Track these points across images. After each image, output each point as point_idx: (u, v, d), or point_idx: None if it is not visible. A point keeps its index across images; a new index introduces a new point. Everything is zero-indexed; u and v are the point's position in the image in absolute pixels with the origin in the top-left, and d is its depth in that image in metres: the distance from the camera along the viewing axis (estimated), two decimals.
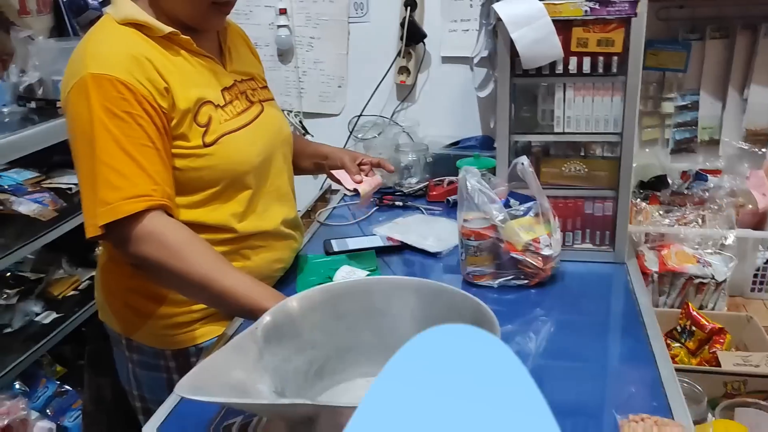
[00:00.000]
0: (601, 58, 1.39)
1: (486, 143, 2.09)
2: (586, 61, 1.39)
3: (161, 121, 1.12)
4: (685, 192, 1.91)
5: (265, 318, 0.83)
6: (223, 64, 1.31)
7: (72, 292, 2.01)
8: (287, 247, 1.42)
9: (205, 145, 1.19)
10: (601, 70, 1.40)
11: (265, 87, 1.44)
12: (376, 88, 2.21)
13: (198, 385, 0.69)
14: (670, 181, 2.02)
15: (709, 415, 1.32)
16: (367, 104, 2.24)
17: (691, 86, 2.05)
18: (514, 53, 1.39)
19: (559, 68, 1.41)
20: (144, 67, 1.11)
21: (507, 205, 1.41)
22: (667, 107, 2.07)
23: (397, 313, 0.90)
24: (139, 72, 1.10)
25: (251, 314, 1.03)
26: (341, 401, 0.86)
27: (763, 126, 1.99)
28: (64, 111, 1.13)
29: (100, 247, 1.33)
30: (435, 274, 1.53)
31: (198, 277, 1.08)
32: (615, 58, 1.38)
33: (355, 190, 1.52)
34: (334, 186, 2.28)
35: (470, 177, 1.37)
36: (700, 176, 1.96)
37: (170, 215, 1.12)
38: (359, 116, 2.26)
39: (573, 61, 1.40)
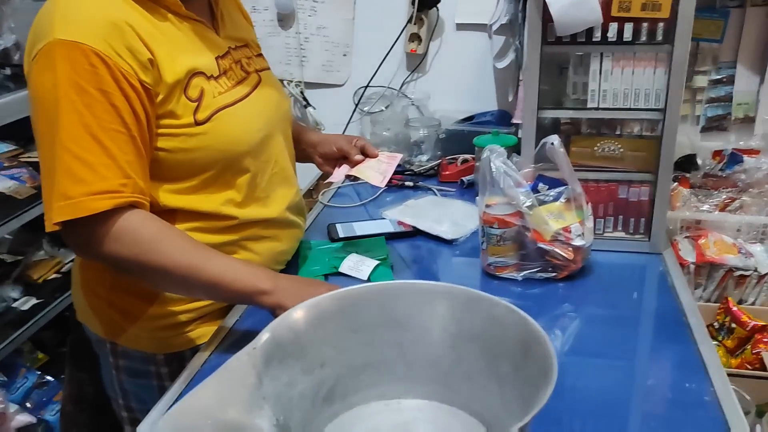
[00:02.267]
0: (645, 25, 1.24)
1: (503, 118, 1.96)
2: (628, 28, 1.24)
3: (140, 102, 0.96)
4: (720, 174, 1.76)
5: (264, 335, 0.68)
6: (215, 29, 1.15)
7: (54, 275, 1.87)
8: (293, 236, 1.29)
9: (197, 123, 1.03)
10: (644, 38, 1.24)
11: (260, 55, 1.28)
12: (384, 58, 2.07)
13: (180, 427, 0.55)
14: (700, 162, 1.87)
15: (758, 426, 1.19)
16: (374, 75, 2.09)
17: (727, 58, 1.90)
18: (546, 18, 1.24)
19: (597, 35, 1.26)
20: (125, 34, 0.95)
21: (535, 189, 1.28)
22: (700, 81, 1.92)
23: (424, 326, 0.76)
24: (118, 41, 0.94)
25: (248, 299, 1.00)
26: None
27: None
28: (27, 81, 0.96)
29: None
30: (451, 264, 1.42)
31: (181, 270, 0.97)
32: (661, 24, 1.23)
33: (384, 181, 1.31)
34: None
35: (495, 157, 1.23)
36: (735, 156, 1.81)
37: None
38: (366, 87, 2.11)
39: (613, 28, 1.24)
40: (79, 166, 0.91)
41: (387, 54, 2.05)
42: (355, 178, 1.48)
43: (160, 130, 1.01)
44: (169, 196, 1.05)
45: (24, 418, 1.70)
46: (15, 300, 1.76)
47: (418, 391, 0.78)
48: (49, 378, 1.80)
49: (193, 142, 1.04)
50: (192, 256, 0.98)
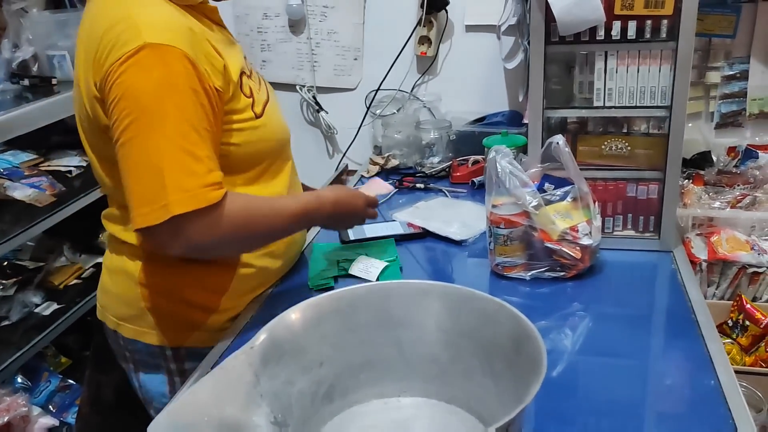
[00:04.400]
0: (648, 22, 1.23)
1: (514, 119, 1.95)
2: (632, 26, 1.24)
3: (215, 102, 1.02)
4: (734, 170, 1.74)
5: (261, 335, 0.69)
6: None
7: (74, 281, 1.91)
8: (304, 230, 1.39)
9: (257, 117, 1.12)
10: (648, 36, 1.24)
11: None
12: (394, 61, 2.07)
13: (178, 424, 0.56)
14: (714, 158, 1.85)
15: None
16: (385, 78, 2.09)
17: (740, 54, 1.88)
18: (549, 18, 1.25)
19: (601, 34, 1.26)
20: (201, 41, 1.01)
21: (541, 189, 1.28)
22: (713, 77, 1.90)
23: (420, 324, 0.77)
24: (197, 46, 1.00)
25: (324, 209, 1.19)
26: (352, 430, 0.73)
27: None
28: (105, 86, 0.97)
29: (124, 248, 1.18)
30: (460, 265, 1.42)
31: (281, 223, 1.12)
32: (664, 21, 1.22)
33: None
34: (351, 166, 2.17)
35: (501, 158, 1.24)
36: (750, 153, 1.79)
37: None
38: (377, 91, 2.11)
39: (616, 26, 1.24)
40: (191, 160, 0.95)
41: (397, 57, 2.05)
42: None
43: (229, 126, 1.08)
44: (236, 189, 1.11)
45: (47, 421, 1.74)
46: (37, 305, 1.79)
47: (417, 389, 0.79)
48: (71, 381, 1.84)
49: (257, 134, 1.12)
50: (278, 207, 1.11)
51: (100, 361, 1.61)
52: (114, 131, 0.96)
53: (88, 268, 1.95)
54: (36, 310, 1.78)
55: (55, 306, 1.80)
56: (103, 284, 1.25)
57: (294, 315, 0.74)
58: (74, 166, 1.92)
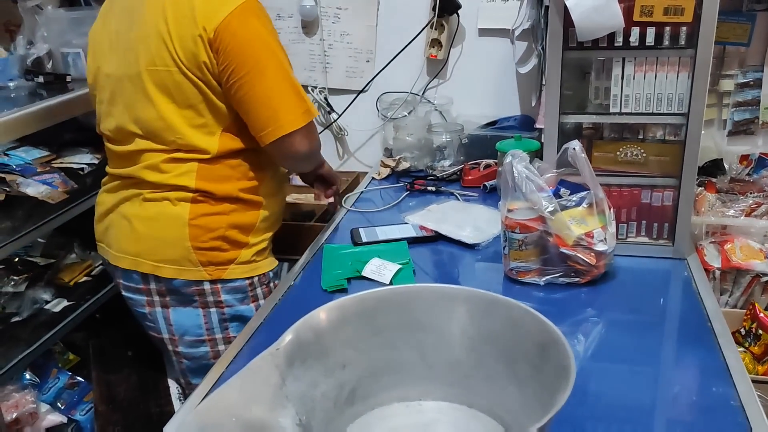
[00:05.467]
0: (667, 29, 1.23)
1: (526, 123, 1.94)
2: (650, 32, 1.24)
3: None
4: (746, 178, 1.74)
5: (287, 336, 0.69)
6: None
7: (84, 279, 1.90)
8: None
9: None
10: (667, 42, 1.24)
11: None
12: (403, 63, 2.06)
13: (207, 424, 0.56)
14: (726, 166, 1.85)
15: None
16: (396, 80, 2.09)
17: (754, 62, 1.87)
18: (567, 23, 1.24)
19: (619, 40, 1.26)
20: None
21: (557, 194, 1.27)
22: (726, 85, 1.89)
23: (443, 328, 0.77)
24: None
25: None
26: None
27: None
28: (226, 32, 1.25)
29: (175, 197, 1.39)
30: (473, 269, 1.42)
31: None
32: (684, 28, 1.22)
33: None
34: (362, 168, 2.17)
35: (517, 162, 1.24)
36: (763, 161, 1.79)
37: None
38: (388, 93, 2.10)
39: (635, 32, 1.24)
40: (300, 89, 1.34)
41: (407, 59, 2.04)
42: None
43: None
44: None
45: (55, 418, 1.74)
46: (47, 302, 1.79)
47: (439, 392, 0.79)
48: (79, 379, 1.83)
49: None
50: None
51: (103, 362, 1.63)
52: (241, 67, 1.27)
53: (98, 266, 1.94)
54: (46, 307, 1.77)
55: (65, 303, 1.79)
56: (138, 233, 1.40)
57: (320, 315, 0.73)
58: (86, 164, 1.91)
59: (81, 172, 1.89)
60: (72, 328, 1.75)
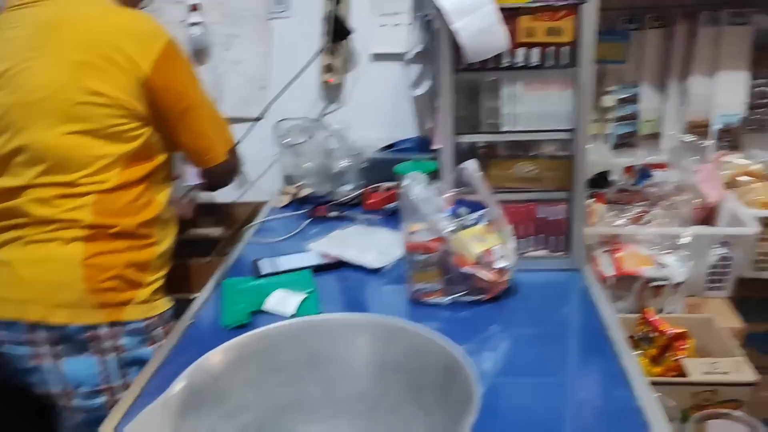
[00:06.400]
0: (550, 49, 1.28)
1: (422, 145, 1.97)
2: (535, 53, 1.28)
3: None
4: (632, 189, 1.82)
5: (179, 383, 0.65)
6: None
7: None
8: None
9: None
10: (551, 62, 1.29)
11: None
12: (299, 89, 2.05)
13: None
14: (613, 178, 1.93)
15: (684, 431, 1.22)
16: (293, 106, 2.07)
17: (632, 78, 1.99)
18: (456, 46, 1.27)
19: (506, 61, 1.29)
20: None
21: (456, 214, 1.28)
22: (608, 101, 1.99)
23: (347, 359, 0.74)
24: None
25: None
26: None
27: (704, 117, 1.94)
28: (158, 73, 1.29)
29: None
30: (379, 293, 1.40)
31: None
32: (566, 48, 1.27)
33: None
34: (262, 197, 2.12)
35: (415, 184, 1.24)
36: (645, 171, 1.88)
37: None
38: (285, 120, 2.07)
39: (520, 53, 1.28)
40: (224, 124, 1.49)
41: (301, 86, 2.03)
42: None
43: None
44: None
45: None
46: None
47: (345, 428, 0.76)
48: None
49: None
50: None
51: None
52: (175, 103, 1.33)
53: None
54: None
55: None
56: (23, 279, 1.29)
57: (215, 358, 0.69)
58: None
59: None
60: None
